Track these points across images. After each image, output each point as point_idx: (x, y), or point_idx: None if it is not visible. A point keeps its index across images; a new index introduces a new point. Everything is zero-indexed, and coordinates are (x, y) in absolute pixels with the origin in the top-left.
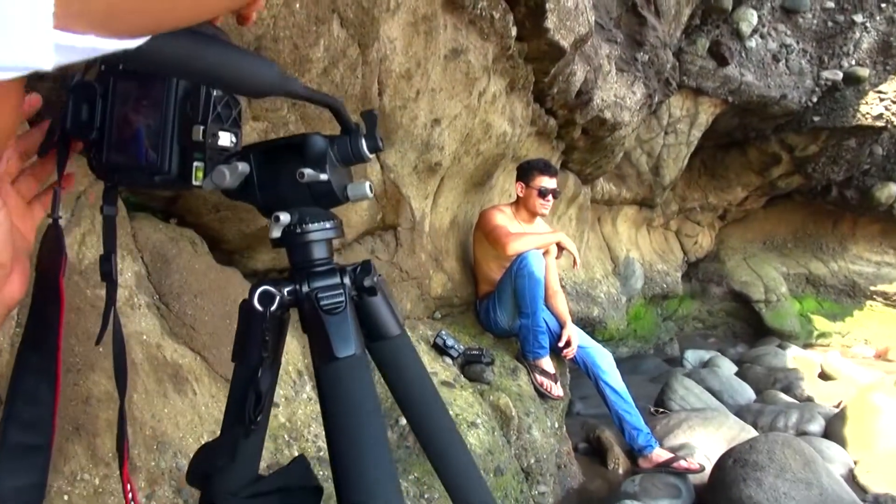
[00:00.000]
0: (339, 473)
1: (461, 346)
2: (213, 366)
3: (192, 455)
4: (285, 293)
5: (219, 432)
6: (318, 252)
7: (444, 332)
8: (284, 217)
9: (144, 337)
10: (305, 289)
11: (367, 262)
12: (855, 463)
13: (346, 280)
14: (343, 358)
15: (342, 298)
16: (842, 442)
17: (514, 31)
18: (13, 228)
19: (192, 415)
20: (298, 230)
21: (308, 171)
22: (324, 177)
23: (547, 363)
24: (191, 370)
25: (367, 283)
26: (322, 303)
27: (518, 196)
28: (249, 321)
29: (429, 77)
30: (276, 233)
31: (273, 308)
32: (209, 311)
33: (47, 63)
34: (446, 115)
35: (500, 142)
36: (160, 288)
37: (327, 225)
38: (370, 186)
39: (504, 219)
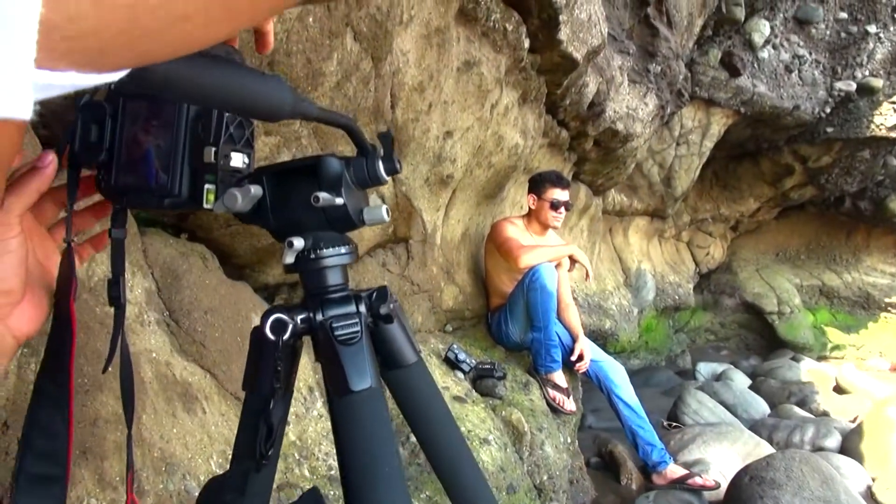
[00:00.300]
0: None
1: (473, 361)
2: (222, 383)
3: (201, 477)
4: (298, 321)
5: (228, 452)
6: (333, 278)
7: (455, 346)
8: (298, 242)
9: (154, 354)
10: (320, 317)
11: (383, 288)
12: (873, 480)
13: (362, 307)
14: (358, 391)
15: (358, 328)
16: (859, 458)
17: (526, 43)
18: (33, 261)
19: (201, 434)
20: (313, 255)
21: (323, 195)
22: (339, 201)
23: (559, 377)
24: (200, 388)
25: (383, 310)
26: (337, 333)
27: (530, 208)
28: (261, 350)
29: (441, 89)
30: (290, 258)
31: (286, 337)
32: (219, 327)
33: (25, 112)
34: (458, 127)
35: (512, 154)
36: (170, 304)
37: (342, 250)
38: (387, 210)
39: (516, 231)
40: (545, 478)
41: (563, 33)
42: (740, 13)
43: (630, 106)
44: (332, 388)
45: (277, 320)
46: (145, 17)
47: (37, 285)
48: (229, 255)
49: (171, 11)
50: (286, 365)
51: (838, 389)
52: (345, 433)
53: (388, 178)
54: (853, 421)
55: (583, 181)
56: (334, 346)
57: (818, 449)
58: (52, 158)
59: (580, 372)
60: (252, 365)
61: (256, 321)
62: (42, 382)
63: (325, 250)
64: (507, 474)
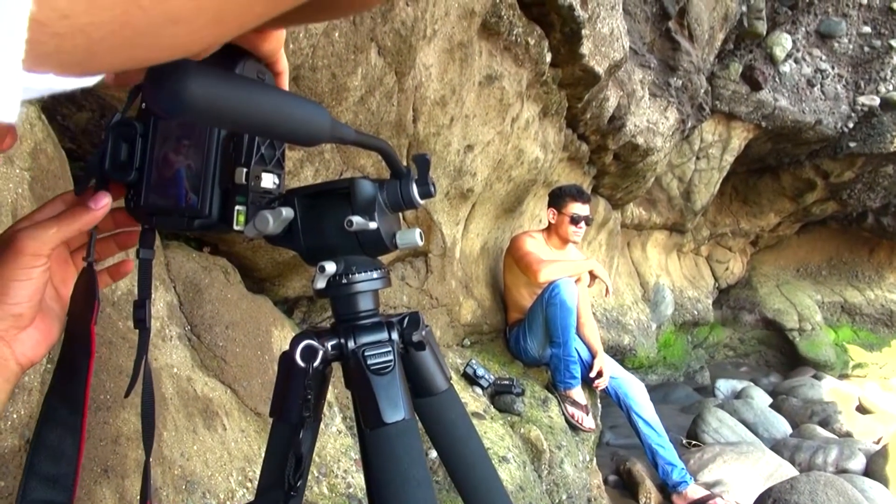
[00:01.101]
0: None
1: (491, 376)
2: (243, 399)
3: (220, 495)
4: (329, 347)
5: (248, 469)
6: (365, 303)
7: (474, 362)
8: (330, 267)
9: (175, 370)
10: (351, 344)
11: (415, 314)
12: None
13: (394, 335)
14: (392, 423)
15: (391, 357)
16: (884, 481)
17: (548, 57)
18: (51, 290)
19: (221, 451)
20: (344, 280)
21: (357, 220)
22: (373, 225)
23: (578, 394)
24: (221, 404)
25: (415, 337)
26: (369, 361)
27: (550, 222)
28: (290, 376)
29: (463, 103)
30: (321, 283)
31: (316, 363)
32: (240, 342)
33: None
34: (479, 141)
35: (532, 168)
36: (192, 318)
37: (374, 274)
38: (420, 234)
39: (535, 245)
40: (564, 497)
41: (586, 47)
42: (762, 27)
43: (651, 120)
44: (364, 419)
45: (308, 347)
46: (137, 17)
47: (48, 311)
48: (250, 268)
49: (164, 12)
50: (316, 393)
51: (861, 409)
52: (377, 468)
53: (423, 202)
54: (877, 442)
55: (602, 195)
56: (366, 376)
57: (842, 471)
58: (106, 202)
59: (599, 389)
60: (280, 392)
61: (276, 335)
62: (52, 404)
63: (356, 275)
64: (527, 493)
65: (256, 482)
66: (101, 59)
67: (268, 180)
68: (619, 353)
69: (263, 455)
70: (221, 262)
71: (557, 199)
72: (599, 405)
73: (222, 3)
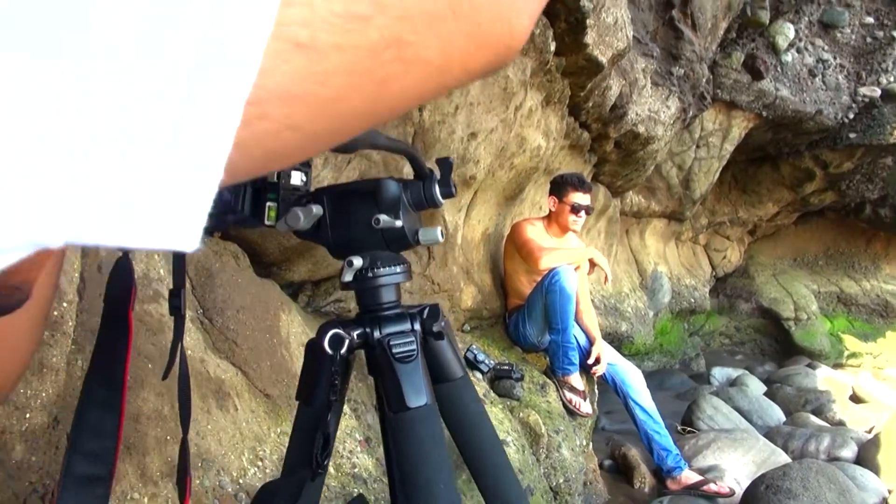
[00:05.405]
0: None
1: (491, 361)
2: (253, 381)
3: (234, 473)
4: (354, 336)
5: (258, 449)
6: (388, 296)
7: (474, 347)
8: (357, 261)
9: (189, 352)
10: (377, 334)
11: (435, 306)
12: (889, 492)
13: (416, 325)
14: (415, 408)
15: (414, 347)
16: (875, 469)
17: (553, 46)
18: None
19: (233, 431)
20: (370, 274)
21: (384, 218)
22: (399, 223)
23: (576, 380)
24: (232, 385)
25: (436, 328)
26: (394, 350)
27: (550, 210)
28: (318, 363)
29: (468, 92)
30: (349, 277)
31: (343, 351)
32: (250, 325)
33: (193, 245)
34: (483, 129)
35: (533, 155)
36: (204, 302)
37: (397, 269)
38: (441, 231)
39: (536, 232)
40: (561, 480)
41: (590, 37)
42: (765, 16)
43: (652, 109)
44: (388, 403)
45: (336, 335)
46: (288, 138)
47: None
48: (259, 253)
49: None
50: (341, 378)
51: (855, 398)
52: (400, 450)
53: (444, 202)
54: (869, 431)
55: (602, 182)
56: (391, 363)
57: (834, 459)
58: None
59: (596, 375)
60: (308, 377)
61: (284, 319)
62: (91, 384)
63: (381, 269)
64: (525, 476)
65: (267, 461)
66: (238, 172)
67: (296, 177)
68: (617, 340)
69: (290, 436)
70: (232, 247)
71: (559, 187)
72: (596, 391)
73: (342, 124)
